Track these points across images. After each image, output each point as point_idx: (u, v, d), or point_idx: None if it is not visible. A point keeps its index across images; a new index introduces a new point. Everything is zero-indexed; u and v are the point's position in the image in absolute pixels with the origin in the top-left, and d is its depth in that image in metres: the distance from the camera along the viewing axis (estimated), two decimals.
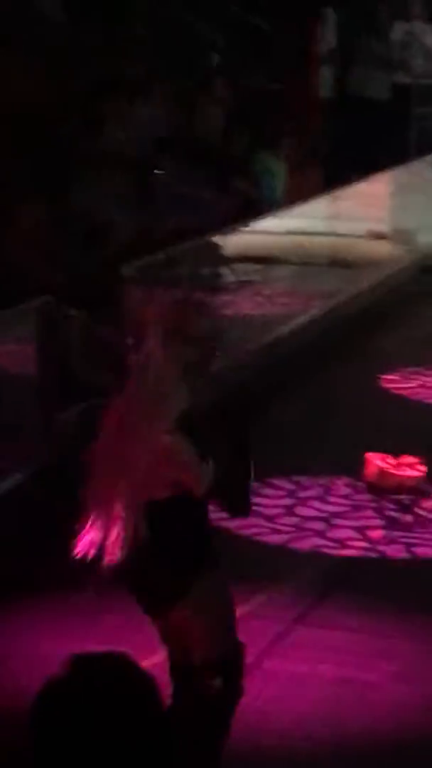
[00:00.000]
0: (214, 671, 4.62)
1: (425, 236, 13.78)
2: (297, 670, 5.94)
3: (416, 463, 8.22)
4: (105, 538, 4.38)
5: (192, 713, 4.60)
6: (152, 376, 4.50)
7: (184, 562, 4.54)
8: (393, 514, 7.75)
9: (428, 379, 10.32)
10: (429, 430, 8.96)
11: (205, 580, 4.53)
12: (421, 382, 10.19)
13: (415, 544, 7.36)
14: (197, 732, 4.63)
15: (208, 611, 4.58)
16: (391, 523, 7.67)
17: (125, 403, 4.46)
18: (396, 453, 8.28)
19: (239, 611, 6.03)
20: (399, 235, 13.74)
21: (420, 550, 7.26)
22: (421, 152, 13.97)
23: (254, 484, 8.05)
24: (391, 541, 7.43)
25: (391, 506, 7.86)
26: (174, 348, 4.47)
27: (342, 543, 7.46)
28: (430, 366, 10.48)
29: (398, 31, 14.37)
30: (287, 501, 8.00)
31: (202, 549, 4.63)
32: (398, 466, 8.38)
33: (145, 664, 2.80)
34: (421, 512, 7.81)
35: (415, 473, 8.25)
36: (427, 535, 7.52)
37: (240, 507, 5.00)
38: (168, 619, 4.63)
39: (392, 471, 8.32)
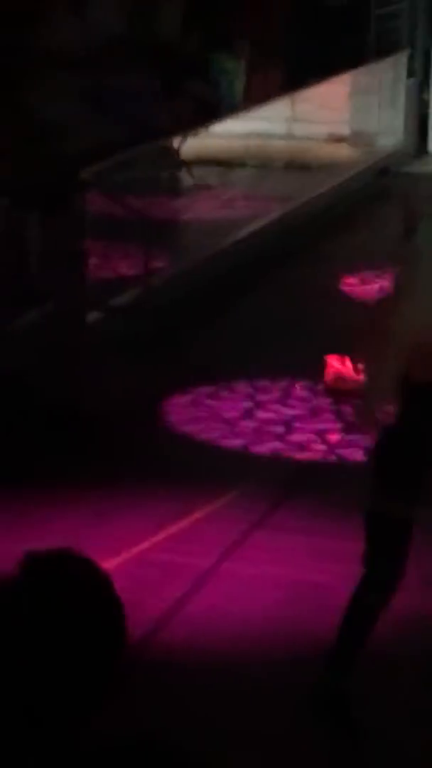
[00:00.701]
0: None
1: (384, 139, 13.96)
2: (251, 572, 6.00)
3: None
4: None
5: None
6: None
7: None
8: (351, 417, 7.58)
9: (387, 282, 10.07)
10: None
11: None
12: (380, 285, 9.70)
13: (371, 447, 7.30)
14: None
15: None
16: (349, 427, 7.57)
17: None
18: (355, 355, 8.23)
19: (198, 515, 6.42)
20: (358, 138, 13.68)
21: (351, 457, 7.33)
22: (380, 54, 13.76)
23: (214, 388, 8.30)
24: (351, 444, 7.39)
25: (350, 409, 7.65)
26: None
27: (302, 445, 7.52)
28: (389, 269, 10.30)
29: None
30: (246, 404, 8.04)
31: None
32: (356, 369, 8.34)
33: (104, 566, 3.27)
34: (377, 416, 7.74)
35: (355, 375, 8.21)
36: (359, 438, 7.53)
37: None
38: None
39: (350, 374, 7.90)
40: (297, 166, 12.70)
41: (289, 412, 8.11)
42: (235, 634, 5.51)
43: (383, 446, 4.90)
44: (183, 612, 5.71)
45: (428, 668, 4.88)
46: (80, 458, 7.02)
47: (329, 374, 8.12)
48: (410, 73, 14.18)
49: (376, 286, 9.90)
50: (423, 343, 4.78)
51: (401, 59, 14.06)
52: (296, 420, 7.96)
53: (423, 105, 14.47)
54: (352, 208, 12.26)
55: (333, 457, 7.47)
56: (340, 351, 7.93)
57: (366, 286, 10.13)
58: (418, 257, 5.33)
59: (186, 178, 11.48)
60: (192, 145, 11.14)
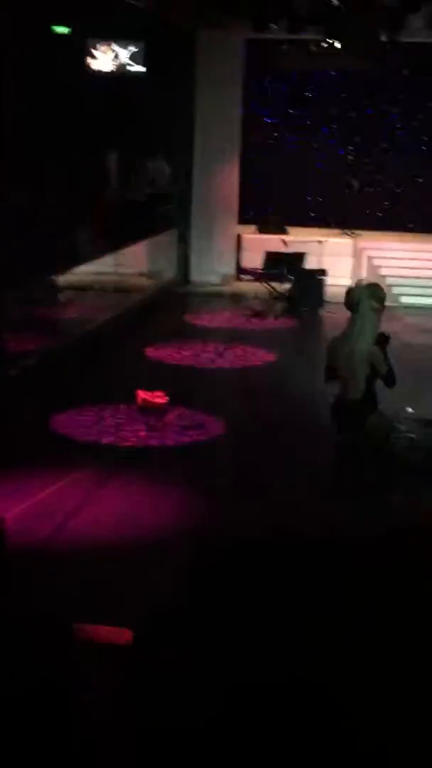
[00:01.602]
0: None
1: (166, 274, 17.95)
2: (99, 509, 7.51)
3: (162, 395, 10.32)
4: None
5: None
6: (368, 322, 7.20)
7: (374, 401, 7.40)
8: (151, 423, 9.81)
9: (172, 351, 12.89)
10: (169, 378, 11.28)
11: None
12: (168, 352, 12.83)
13: (164, 439, 9.48)
14: None
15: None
16: (151, 428, 9.69)
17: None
18: (153, 389, 10.37)
19: (61, 482, 7.88)
20: (153, 273, 17.56)
21: (167, 442, 9.37)
22: (163, 229, 17.49)
23: (73, 411, 9.76)
24: (151, 437, 9.51)
25: (150, 419, 9.92)
26: (374, 306, 7.42)
27: (125, 438, 9.53)
28: (172, 342, 13.23)
29: (150, 164, 17.71)
30: (95, 417, 10.02)
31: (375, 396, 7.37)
32: (153, 396, 10.34)
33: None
34: (164, 422, 9.84)
35: (162, 400, 10.31)
36: (169, 434, 9.59)
37: (391, 382, 7.64)
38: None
39: (150, 399, 10.32)
40: (120, 289, 15.99)
41: (120, 420, 10.02)
42: (93, 533, 7.01)
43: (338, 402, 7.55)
44: (63, 529, 7.15)
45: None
46: None
47: (139, 399, 10.21)
48: (179, 239, 17.92)
49: (167, 352, 12.68)
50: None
51: (174, 231, 17.85)
52: (123, 424, 9.91)
53: (184, 256, 18.04)
54: (149, 309, 15.66)
55: (142, 445, 9.37)
56: (146, 386, 10.36)
57: (161, 352, 12.78)
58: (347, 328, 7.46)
59: (60, 296, 14.54)
60: (63, 277, 14.18)
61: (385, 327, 14.53)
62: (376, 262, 18.03)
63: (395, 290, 17.20)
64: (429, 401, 10.02)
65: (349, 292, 7.83)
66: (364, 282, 8.70)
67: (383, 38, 14.26)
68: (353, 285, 8.14)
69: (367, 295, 7.61)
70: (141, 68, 16.41)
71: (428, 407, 9.75)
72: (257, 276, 16.58)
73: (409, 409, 9.57)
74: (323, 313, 15.81)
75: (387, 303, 15.43)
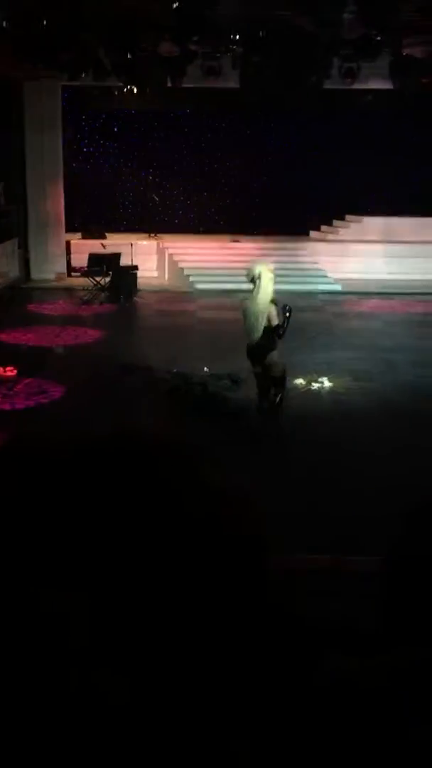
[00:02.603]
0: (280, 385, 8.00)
1: (11, 273, 17.22)
2: None
3: (13, 369, 10.44)
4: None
5: (271, 409, 7.87)
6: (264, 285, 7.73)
7: (273, 343, 7.83)
8: (3, 392, 9.72)
9: (20, 334, 12.74)
10: (18, 356, 11.19)
11: (276, 350, 7.86)
12: (16, 335, 12.66)
13: (15, 404, 9.35)
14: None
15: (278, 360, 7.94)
16: (4, 396, 9.54)
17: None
18: (5, 365, 10.52)
19: None
20: (1, 274, 16.77)
21: (18, 406, 9.26)
22: (4, 239, 16.84)
23: None
24: (3, 403, 9.32)
25: (2, 389, 9.83)
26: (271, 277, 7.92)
27: None
28: (19, 327, 13.00)
29: None
30: None
31: (274, 340, 7.86)
32: (5, 370, 10.45)
33: None
34: (15, 390, 9.77)
35: (12, 373, 10.36)
36: (19, 400, 9.48)
37: (281, 334, 8.00)
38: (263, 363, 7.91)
39: (1, 373, 10.37)
40: None
41: None
42: None
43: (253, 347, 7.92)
44: None
45: None
46: None
47: None
48: (20, 246, 17.73)
49: (15, 335, 12.45)
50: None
51: (15, 239, 17.49)
52: None
53: (25, 259, 17.95)
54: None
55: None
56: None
57: (9, 335, 12.54)
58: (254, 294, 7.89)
59: None
60: None
61: (184, 308, 15.44)
62: (176, 257, 18.34)
63: (191, 279, 17.63)
64: (220, 361, 10.28)
65: (251, 269, 8.20)
66: (259, 261, 9.00)
67: (169, 84, 14.40)
68: (252, 264, 8.45)
69: (266, 270, 7.98)
70: None
71: (220, 366, 10.09)
72: (84, 272, 16.59)
73: (206, 368, 9.96)
74: (136, 299, 16.17)
75: (185, 290, 16.16)
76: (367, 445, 7.77)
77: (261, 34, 11.67)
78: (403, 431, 8.21)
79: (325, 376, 9.78)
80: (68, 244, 18.30)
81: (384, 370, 10.67)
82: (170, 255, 18.44)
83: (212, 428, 7.70)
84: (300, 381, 9.68)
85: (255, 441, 7.68)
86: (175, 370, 9.76)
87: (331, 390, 9.40)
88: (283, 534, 1.90)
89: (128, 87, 15.96)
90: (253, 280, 8.00)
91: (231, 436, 7.49)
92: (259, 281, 7.89)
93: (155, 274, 18.36)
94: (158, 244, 18.76)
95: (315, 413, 8.85)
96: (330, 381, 9.58)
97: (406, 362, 11.13)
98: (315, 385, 9.46)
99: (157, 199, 20.37)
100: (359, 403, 9.23)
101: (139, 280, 16.43)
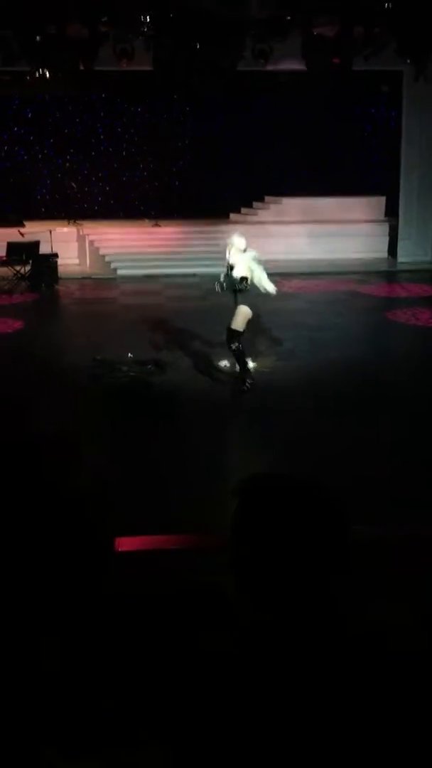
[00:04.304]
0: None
1: None
2: None
3: None
4: None
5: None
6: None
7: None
8: None
9: None
10: None
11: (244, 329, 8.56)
12: None
13: None
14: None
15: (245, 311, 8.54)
16: None
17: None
18: None
19: None
20: None
21: None
22: None
23: None
24: None
25: None
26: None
27: None
28: None
29: None
30: None
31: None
32: None
33: None
34: None
35: None
36: None
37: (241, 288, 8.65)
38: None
39: None
40: None
41: None
42: None
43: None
44: None
45: None
46: None
47: None
48: None
49: None
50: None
51: None
52: None
53: None
54: None
55: None
56: None
57: None
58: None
59: None
60: None
61: (106, 295, 15.31)
62: (96, 244, 18.17)
63: (113, 265, 17.46)
64: (141, 346, 10.36)
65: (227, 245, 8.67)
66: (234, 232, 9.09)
67: (81, 67, 14.13)
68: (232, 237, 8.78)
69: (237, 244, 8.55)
70: None
71: (143, 352, 10.16)
72: (2, 262, 16.20)
73: (130, 354, 9.91)
74: (57, 288, 15.92)
75: (107, 277, 15.93)
76: (291, 423, 7.79)
77: (170, 15, 11.51)
78: (327, 406, 8.28)
79: (250, 356, 9.77)
80: None
81: (309, 349, 10.74)
82: (91, 242, 18.26)
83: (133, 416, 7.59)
84: (225, 363, 9.66)
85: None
86: (98, 357, 9.66)
87: (256, 370, 9.40)
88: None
89: (40, 71, 15.64)
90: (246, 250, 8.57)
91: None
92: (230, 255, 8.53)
93: (76, 261, 18.18)
94: (78, 231, 18.57)
95: (241, 394, 8.86)
96: (254, 361, 9.58)
97: (330, 340, 11.25)
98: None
99: (74, 185, 20.16)
100: (284, 383, 9.26)
101: (60, 268, 16.33)
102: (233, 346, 8.65)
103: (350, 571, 1.18)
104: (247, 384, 8.70)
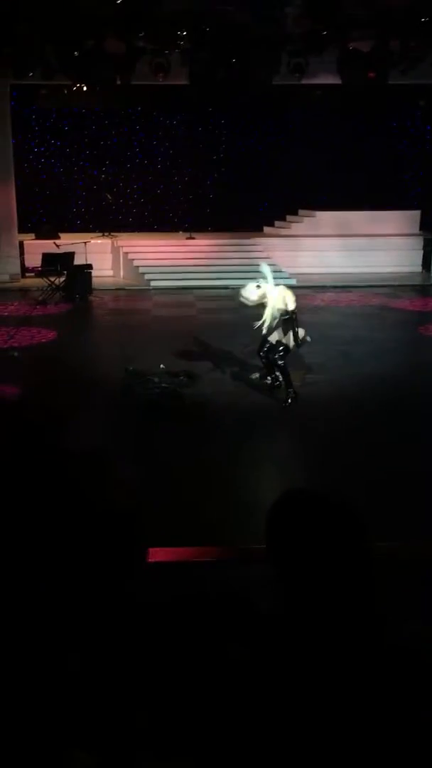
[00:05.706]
0: None
1: None
2: None
3: None
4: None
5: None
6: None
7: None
8: None
9: None
10: None
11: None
12: None
13: None
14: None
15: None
16: None
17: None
18: None
19: None
20: None
21: None
22: None
23: None
24: None
25: None
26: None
27: None
28: None
29: None
30: None
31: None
32: None
33: None
34: None
35: None
36: None
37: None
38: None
39: None
40: None
41: None
42: None
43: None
44: None
45: None
46: None
47: None
48: None
49: None
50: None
51: None
52: None
53: None
54: None
55: None
56: None
57: None
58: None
59: None
60: None
61: (139, 306, 15.35)
62: (131, 256, 18.25)
63: (147, 276, 17.56)
64: (173, 357, 10.38)
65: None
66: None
67: (118, 81, 14.30)
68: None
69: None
70: None
71: (175, 363, 10.16)
72: (38, 273, 16.41)
73: (162, 365, 9.94)
74: (92, 298, 16.01)
75: (140, 288, 15.90)
76: (321, 437, 7.76)
77: (206, 29, 11.61)
78: (357, 421, 8.23)
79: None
80: (21, 245, 18.14)
81: (340, 364, 10.68)
82: (125, 253, 18.36)
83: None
84: (255, 375, 9.66)
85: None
86: (131, 368, 9.70)
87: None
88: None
89: (77, 85, 15.85)
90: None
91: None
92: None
93: (111, 272, 18.29)
94: (113, 243, 18.69)
95: (272, 406, 8.83)
96: None
97: (362, 354, 11.18)
98: (269, 379, 9.43)
99: (110, 197, 20.31)
100: (315, 396, 9.23)
101: (94, 279, 16.44)
102: (280, 362, 8.70)
103: (374, 584, 1.18)
104: (290, 397, 8.69)
